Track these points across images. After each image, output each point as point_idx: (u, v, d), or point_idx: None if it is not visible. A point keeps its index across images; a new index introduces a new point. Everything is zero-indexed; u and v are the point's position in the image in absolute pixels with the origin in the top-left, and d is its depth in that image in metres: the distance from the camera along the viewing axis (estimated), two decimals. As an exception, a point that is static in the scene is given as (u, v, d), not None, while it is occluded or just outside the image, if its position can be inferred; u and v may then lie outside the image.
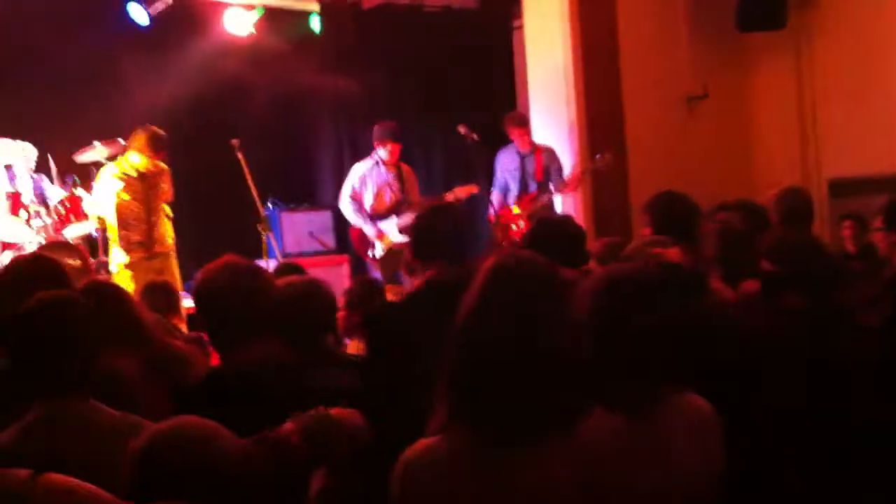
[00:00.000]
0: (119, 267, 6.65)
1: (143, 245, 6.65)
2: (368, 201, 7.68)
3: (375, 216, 7.66)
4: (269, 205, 8.56)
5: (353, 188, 7.72)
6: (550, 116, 8.49)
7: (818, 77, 9.20)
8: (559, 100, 8.59)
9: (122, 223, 6.62)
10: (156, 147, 6.69)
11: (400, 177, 7.77)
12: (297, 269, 4.60)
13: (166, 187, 6.92)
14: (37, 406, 2.40)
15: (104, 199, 6.62)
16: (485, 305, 2.14)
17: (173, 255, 6.98)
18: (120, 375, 2.81)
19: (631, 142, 8.63)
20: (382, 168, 7.70)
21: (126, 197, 6.57)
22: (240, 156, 7.00)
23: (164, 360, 2.97)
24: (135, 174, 6.71)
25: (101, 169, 6.68)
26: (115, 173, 6.65)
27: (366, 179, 7.70)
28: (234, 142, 7.00)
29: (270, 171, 8.22)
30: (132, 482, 1.95)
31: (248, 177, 6.99)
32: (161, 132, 6.79)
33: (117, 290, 3.32)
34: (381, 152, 7.67)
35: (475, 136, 7.84)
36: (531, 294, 2.14)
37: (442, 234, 3.36)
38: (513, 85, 10.49)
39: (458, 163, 8.60)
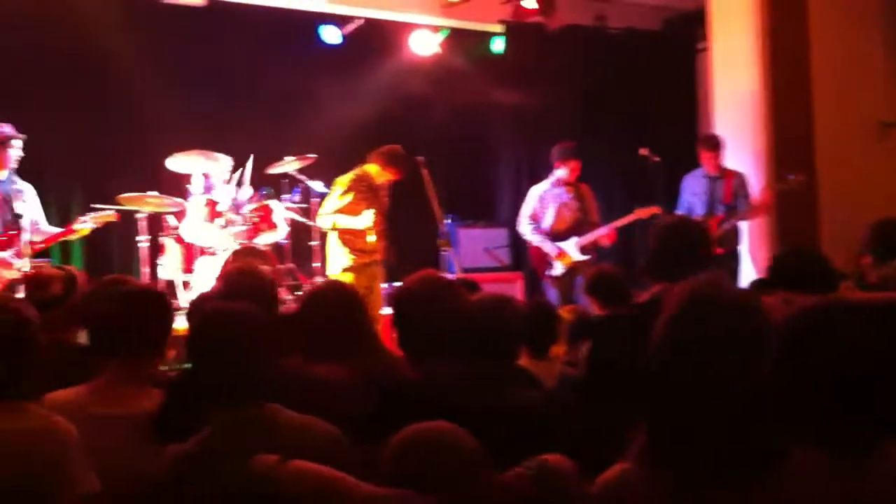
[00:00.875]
0: (340, 269, 6.85)
1: (367, 252, 6.84)
2: (548, 221, 7.65)
3: (555, 235, 7.64)
4: (448, 220, 8.68)
5: (532, 209, 7.71)
6: (738, 140, 8.23)
7: None
8: (747, 124, 8.37)
9: (353, 230, 6.81)
10: (390, 163, 6.88)
11: (579, 196, 7.72)
12: (473, 286, 4.62)
13: (387, 200, 7.09)
14: (216, 412, 2.50)
15: (338, 207, 6.80)
16: (678, 336, 2.04)
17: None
18: (323, 381, 2.91)
19: (821, 167, 8.30)
20: (561, 188, 7.68)
21: (361, 207, 6.75)
22: (424, 172, 7.11)
23: (376, 366, 3.03)
24: (372, 185, 6.90)
25: (340, 178, 6.89)
26: (354, 184, 6.83)
27: (544, 199, 7.69)
28: (419, 158, 7.12)
29: (449, 187, 8.32)
30: (386, 471, 2.05)
31: (432, 193, 7.10)
32: (398, 150, 6.97)
33: (346, 296, 3.35)
34: (561, 171, 7.65)
35: (657, 159, 7.77)
36: (727, 323, 2.01)
37: (676, 252, 3.33)
38: (695, 107, 10.31)
39: (637, 184, 8.47)
